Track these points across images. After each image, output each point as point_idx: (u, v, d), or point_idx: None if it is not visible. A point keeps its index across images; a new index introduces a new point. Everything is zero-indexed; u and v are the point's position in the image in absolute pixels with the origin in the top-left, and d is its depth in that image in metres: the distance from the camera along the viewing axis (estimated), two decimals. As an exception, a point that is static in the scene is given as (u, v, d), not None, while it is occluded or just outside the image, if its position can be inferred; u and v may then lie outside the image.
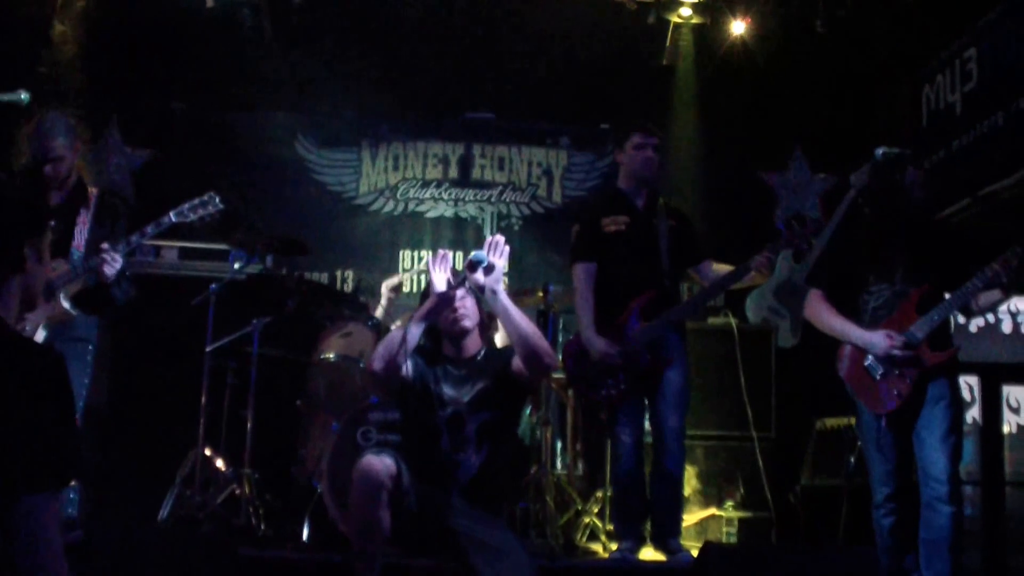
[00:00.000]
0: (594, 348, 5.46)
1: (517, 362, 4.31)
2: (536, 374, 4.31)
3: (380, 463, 4.02)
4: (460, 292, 4.37)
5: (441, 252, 4.41)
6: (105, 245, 5.01)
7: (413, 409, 4.44)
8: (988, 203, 6.45)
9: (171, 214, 5.20)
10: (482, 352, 4.53)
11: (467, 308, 4.43)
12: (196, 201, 5.28)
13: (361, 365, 6.13)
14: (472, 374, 4.44)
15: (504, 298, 4.21)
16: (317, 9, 7.99)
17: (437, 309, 4.33)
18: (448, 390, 4.42)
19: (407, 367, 4.37)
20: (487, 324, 4.69)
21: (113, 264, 4.99)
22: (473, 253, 4.22)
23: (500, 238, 4.24)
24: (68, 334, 5.15)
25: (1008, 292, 4.77)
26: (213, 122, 8.31)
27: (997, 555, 6.64)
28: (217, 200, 5.29)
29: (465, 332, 4.48)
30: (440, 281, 4.30)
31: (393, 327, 5.84)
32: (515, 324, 4.19)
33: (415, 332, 4.28)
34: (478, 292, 4.31)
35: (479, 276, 4.20)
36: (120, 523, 5.61)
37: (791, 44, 8.04)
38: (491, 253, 4.21)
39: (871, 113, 7.83)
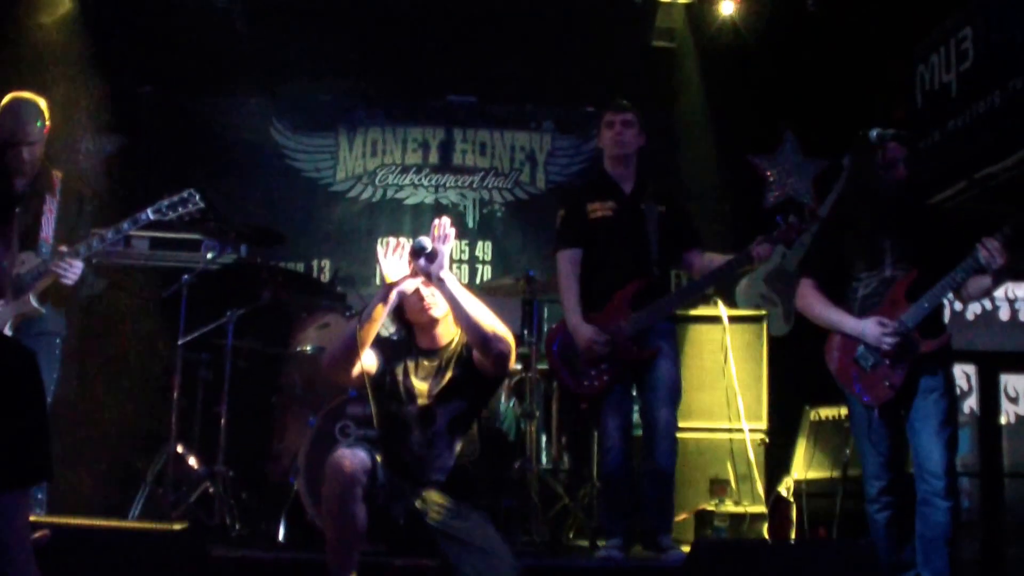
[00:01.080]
0: (580, 336, 5.35)
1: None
2: (492, 361, 4.22)
3: (353, 457, 3.97)
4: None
5: (393, 240, 4.27)
6: (64, 249, 4.98)
7: (382, 403, 4.38)
8: (985, 185, 6.38)
9: (148, 211, 5.16)
10: (455, 340, 4.45)
11: (435, 297, 4.31)
12: (175, 198, 5.23)
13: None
14: (443, 365, 4.38)
15: (451, 284, 4.15)
16: None
17: (392, 299, 4.23)
18: (417, 382, 4.37)
19: (376, 360, 4.33)
20: None
21: (71, 273, 4.98)
22: (417, 239, 4.15)
23: (446, 221, 4.18)
24: (36, 328, 5.11)
25: (999, 279, 4.64)
26: (185, 107, 8.26)
27: (995, 546, 6.58)
28: (197, 198, 5.24)
29: (434, 322, 4.39)
30: (395, 271, 4.18)
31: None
32: (462, 310, 4.15)
33: (372, 326, 4.19)
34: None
35: (422, 263, 4.14)
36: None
37: (781, 23, 7.95)
38: (436, 238, 4.13)
39: (864, 94, 7.72)
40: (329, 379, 4.52)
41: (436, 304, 4.32)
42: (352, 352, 4.15)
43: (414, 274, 4.18)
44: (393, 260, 4.21)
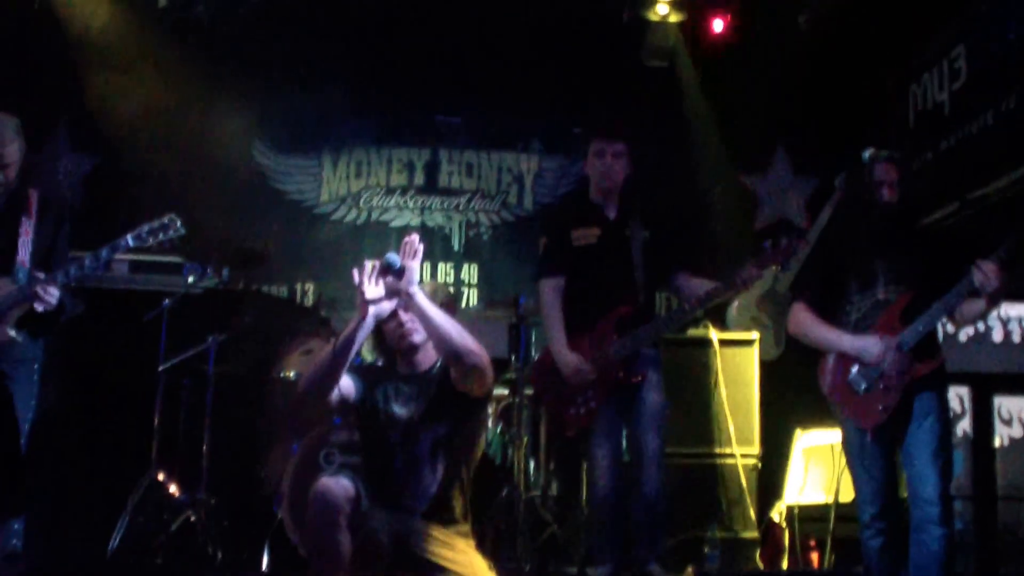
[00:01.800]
0: (565, 364, 5.32)
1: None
2: (466, 377, 4.17)
3: (337, 485, 3.93)
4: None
5: (366, 262, 4.19)
6: (40, 275, 4.89)
7: (364, 430, 4.36)
8: (978, 207, 6.40)
9: (128, 237, 5.06)
10: (437, 365, 4.40)
11: (414, 322, 4.25)
12: (156, 224, 5.13)
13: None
14: (423, 390, 4.33)
15: (420, 300, 4.08)
16: (276, 7, 7.90)
17: (368, 322, 4.15)
18: (398, 408, 4.31)
19: (354, 387, 4.28)
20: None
21: (48, 300, 4.86)
22: (386, 256, 4.10)
23: (414, 238, 4.12)
24: (13, 356, 5.01)
25: (993, 301, 4.56)
26: (165, 127, 8.16)
27: (989, 569, 6.51)
28: (179, 224, 5.14)
29: (414, 348, 4.35)
30: (371, 293, 4.09)
31: None
32: (434, 326, 4.09)
33: (346, 352, 4.11)
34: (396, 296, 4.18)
35: (391, 280, 4.08)
36: (68, 554, 5.89)
37: (773, 41, 7.97)
38: (405, 255, 4.08)
39: (857, 112, 7.72)
40: (306, 405, 4.43)
41: (416, 329, 4.27)
42: (328, 377, 4.10)
43: (389, 296, 4.12)
44: (369, 283, 4.12)
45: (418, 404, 4.29)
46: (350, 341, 4.08)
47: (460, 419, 4.32)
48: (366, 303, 4.07)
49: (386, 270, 4.06)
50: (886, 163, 4.76)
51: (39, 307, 4.85)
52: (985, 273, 4.40)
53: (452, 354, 4.10)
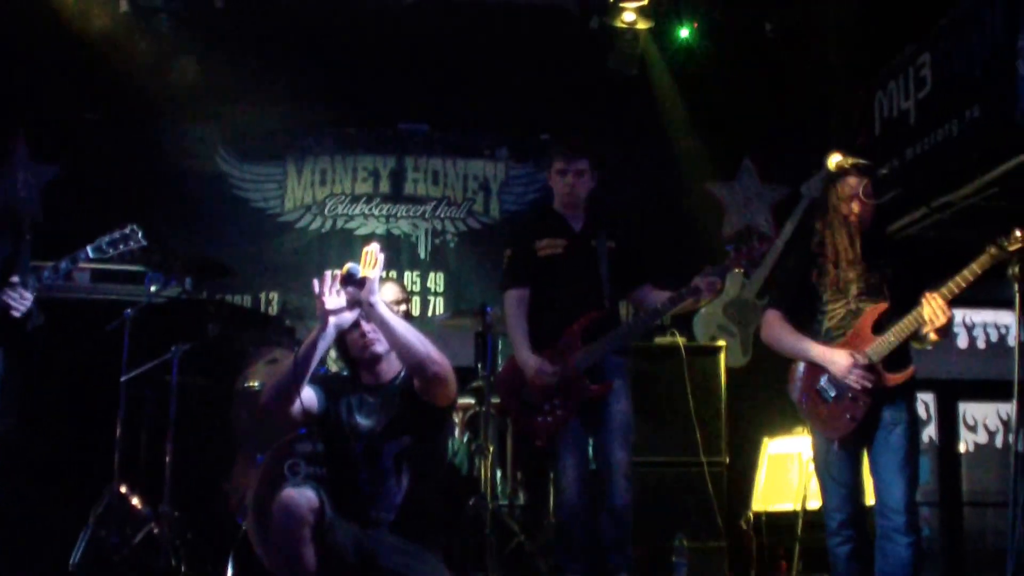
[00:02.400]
0: (529, 367, 5.29)
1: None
2: (429, 386, 4.17)
3: (300, 496, 3.92)
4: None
5: (327, 272, 4.15)
6: (15, 279, 4.90)
7: (328, 442, 4.35)
8: (943, 213, 6.40)
9: (88, 249, 5.09)
10: (400, 376, 4.38)
11: (376, 333, 4.24)
12: (116, 235, 5.17)
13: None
14: (387, 401, 4.31)
15: (381, 310, 4.08)
16: (239, 14, 7.82)
17: (330, 332, 4.13)
18: (361, 420, 4.29)
19: (317, 398, 4.26)
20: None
21: (22, 304, 4.89)
22: (347, 265, 4.09)
23: (375, 247, 4.10)
24: None
25: (942, 335, 4.58)
26: (127, 135, 8.11)
27: (956, 575, 6.56)
28: (140, 235, 5.19)
29: (377, 357, 4.33)
30: (332, 303, 4.07)
31: None
32: (394, 335, 4.09)
33: (308, 363, 4.09)
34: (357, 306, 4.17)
35: (351, 290, 4.06)
36: (30, 568, 5.86)
37: (739, 50, 8.01)
38: (366, 264, 4.06)
39: (823, 121, 7.76)
40: (268, 417, 4.38)
41: (378, 339, 4.25)
42: (290, 389, 4.07)
43: (350, 306, 4.10)
44: (329, 294, 4.10)
45: (382, 415, 4.27)
46: (311, 352, 4.07)
47: (424, 430, 4.30)
48: (327, 313, 4.06)
49: (347, 280, 4.04)
50: (856, 174, 4.76)
51: (16, 309, 4.85)
52: (933, 309, 4.44)
53: (415, 364, 4.09)
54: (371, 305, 4.04)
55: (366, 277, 4.03)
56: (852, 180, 4.75)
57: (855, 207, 4.73)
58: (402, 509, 4.20)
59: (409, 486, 4.22)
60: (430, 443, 4.38)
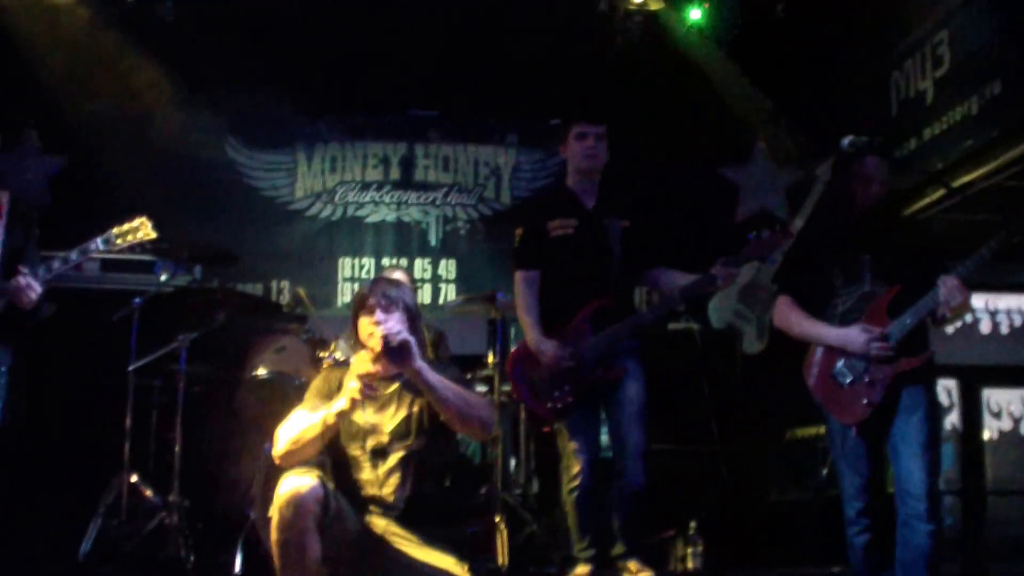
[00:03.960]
0: (543, 352, 5.21)
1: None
2: (473, 432, 4.22)
3: (305, 484, 3.82)
4: (380, 314, 4.14)
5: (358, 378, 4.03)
6: (24, 269, 4.85)
7: (337, 431, 4.20)
8: (963, 194, 6.34)
9: (98, 240, 5.07)
10: None
11: (389, 328, 4.10)
12: (126, 227, 5.14)
13: (296, 383, 5.93)
14: (397, 397, 4.21)
15: (428, 375, 4.02)
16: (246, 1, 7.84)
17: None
18: (369, 417, 4.19)
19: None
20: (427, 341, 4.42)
21: (32, 293, 4.84)
22: (380, 333, 4.01)
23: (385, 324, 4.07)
24: None
25: (957, 314, 4.53)
26: (136, 124, 8.11)
27: (978, 565, 6.48)
28: (150, 227, 5.15)
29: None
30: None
31: None
32: (445, 400, 4.04)
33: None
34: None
35: (395, 360, 4.00)
36: (39, 558, 5.75)
37: (751, 29, 7.93)
38: (393, 335, 4.00)
39: (837, 102, 7.67)
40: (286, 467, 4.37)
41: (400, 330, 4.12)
42: (307, 446, 4.04)
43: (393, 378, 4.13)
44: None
45: (390, 413, 4.19)
46: (330, 428, 4.03)
47: (434, 431, 4.21)
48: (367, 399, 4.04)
49: (387, 350, 3.96)
50: (872, 157, 4.68)
51: (26, 299, 4.80)
52: (949, 289, 4.37)
53: (458, 422, 4.07)
54: (417, 372, 4.00)
55: (406, 340, 3.97)
56: (867, 166, 4.67)
57: (871, 189, 4.65)
58: (409, 499, 4.11)
59: (418, 475, 4.14)
60: (442, 439, 4.28)
